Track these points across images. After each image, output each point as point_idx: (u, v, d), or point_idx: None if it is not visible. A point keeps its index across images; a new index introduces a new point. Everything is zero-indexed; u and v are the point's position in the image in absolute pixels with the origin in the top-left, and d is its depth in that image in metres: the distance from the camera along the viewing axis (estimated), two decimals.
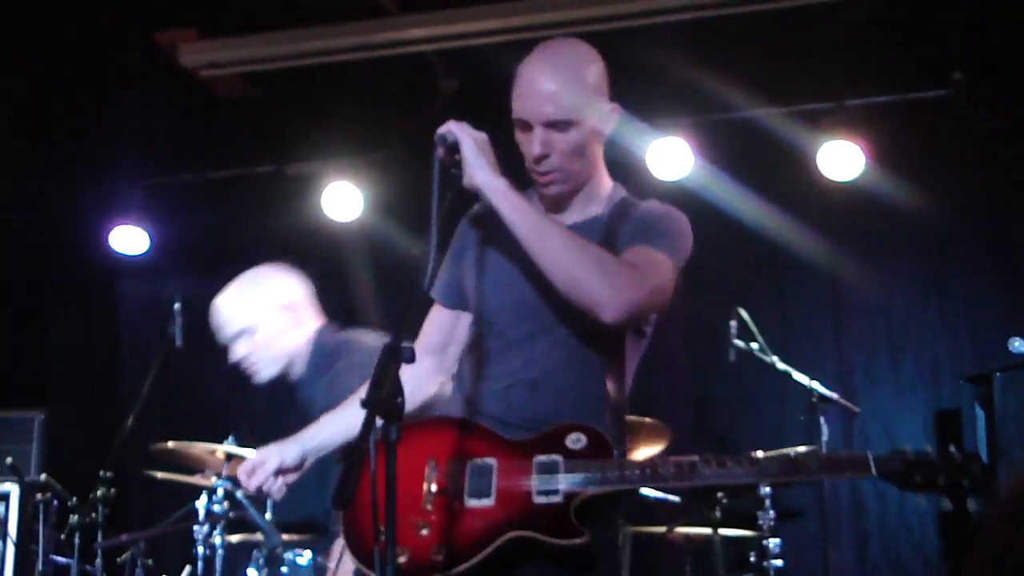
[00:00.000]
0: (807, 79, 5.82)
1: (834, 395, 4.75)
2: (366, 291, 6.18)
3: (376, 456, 1.98)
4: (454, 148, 2.45)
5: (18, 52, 5.27)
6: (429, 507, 2.36)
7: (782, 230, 5.86)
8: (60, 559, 4.88)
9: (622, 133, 5.93)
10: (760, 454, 2.83)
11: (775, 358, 4.76)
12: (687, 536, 4.79)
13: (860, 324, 5.92)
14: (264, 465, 2.63)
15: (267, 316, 4.04)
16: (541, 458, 2.36)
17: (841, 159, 5.71)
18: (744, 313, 4.76)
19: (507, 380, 2.49)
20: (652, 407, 5.08)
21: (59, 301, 6.67)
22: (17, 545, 5.16)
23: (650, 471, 2.36)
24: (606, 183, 2.67)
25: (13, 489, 4.95)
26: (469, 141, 2.45)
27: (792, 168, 5.84)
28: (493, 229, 2.53)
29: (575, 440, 2.38)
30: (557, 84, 2.47)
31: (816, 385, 4.73)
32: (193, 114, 6.18)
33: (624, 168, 5.69)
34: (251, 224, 6.49)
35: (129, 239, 6.35)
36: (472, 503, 2.35)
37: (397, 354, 2.04)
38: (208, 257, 6.57)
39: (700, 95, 5.84)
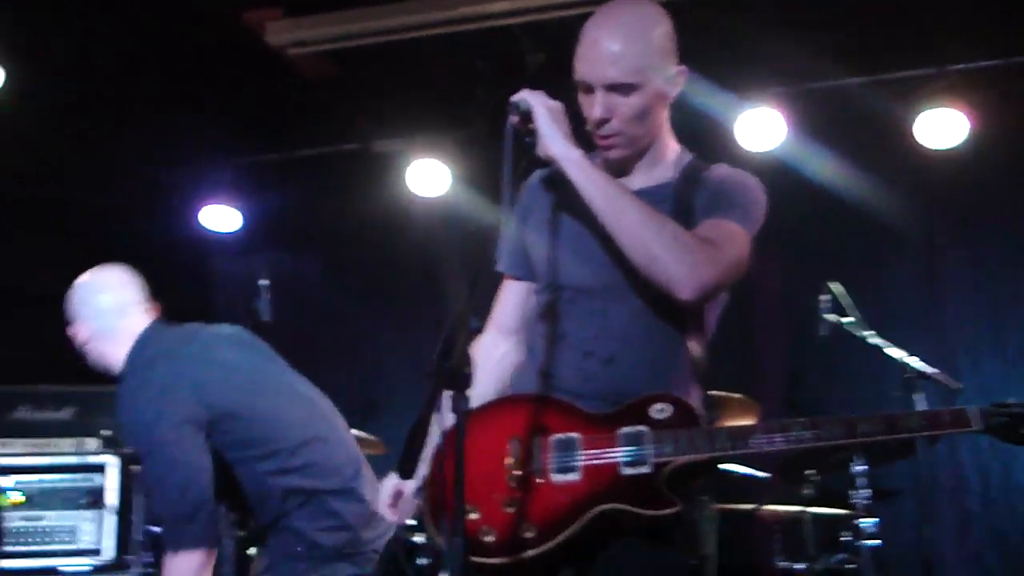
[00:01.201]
0: (904, 45, 5.62)
1: (932, 370, 4.57)
2: (453, 267, 6.20)
3: (452, 430, 1.95)
4: (527, 116, 2.41)
5: (108, 35, 5.37)
6: (514, 484, 2.32)
7: (878, 201, 5.70)
8: (155, 528, 4.99)
9: (711, 103, 5.89)
10: None
11: (868, 332, 4.60)
12: (776, 514, 4.69)
13: (961, 297, 5.73)
14: (405, 495, 2.55)
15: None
16: (627, 429, 2.31)
17: (941, 127, 5.52)
18: (836, 286, 4.61)
19: (582, 351, 2.44)
20: (742, 383, 4.99)
21: (152, 279, 6.79)
22: (117, 515, 5.31)
23: (740, 437, 2.30)
24: (672, 147, 2.61)
25: (111, 460, 5.07)
26: (543, 110, 2.40)
27: (888, 137, 5.67)
28: (566, 193, 2.47)
29: (660, 410, 2.33)
30: (620, 45, 2.41)
31: (912, 360, 4.56)
32: (281, 93, 6.24)
33: (713, 139, 5.68)
34: (338, 201, 6.55)
35: (220, 217, 6.47)
36: (558, 478, 2.31)
37: (465, 323, 2.00)
38: (296, 234, 6.67)
39: (792, 64, 5.69)
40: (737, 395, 4.54)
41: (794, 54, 5.60)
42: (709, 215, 2.44)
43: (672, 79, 2.50)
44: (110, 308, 3.59)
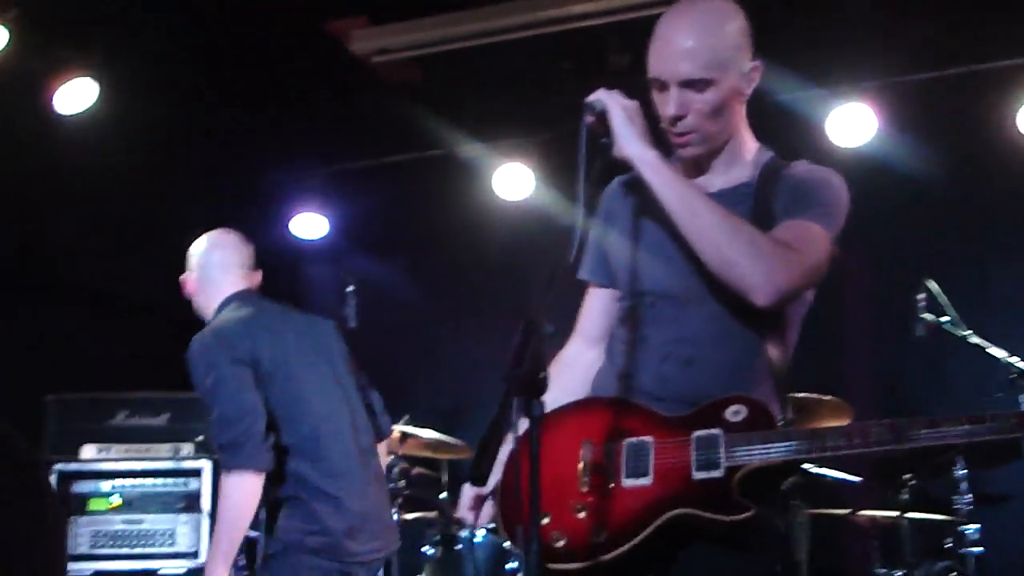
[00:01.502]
0: (1000, 33, 5.42)
1: None
2: (539, 270, 6.17)
3: (524, 437, 1.93)
4: (603, 116, 2.38)
5: (198, 49, 5.49)
6: (585, 489, 2.29)
7: (977, 195, 5.51)
8: (252, 532, 5.07)
9: (801, 100, 5.76)
10: None
11: (968, 332, 4.44)
12: (873, 519, 4.55)
13: None
14: (482, 498, 2.53)
15: None
16: (700, 433, 2.26)
17: None
18: (933, 285, 4.47)
19: (660, 354, 2.40)
20: (835, 385, 4.87)
21: None
22: (211, 518, 5.42)
23: (818, 440, 2.22)
24: (750, 144, 2.54)
25: (205, 465, 5.17)
26: (618, 110, 2.37)
27: (988, 129, 5.47)
28: (647, 197, 2.43)
29: (735, 412, 2.27)
30: (694, 41, 2.35)
31: (1016, 360, 4.39)
32: (366, 100, 6.30)
33: (802, 136, 5.56)
34: (424, 207, 6.59)
35: (309, 225, 6.56)
36: (629, 483, 2.27)
37: (537, 328, 1.97)
38: (383, 240, 6.72)
39: (883, 57, 5.55)
40: (829, 397, 4.42)
41: (885, 47, 5.46)
42: (789, 215, 2.37)
43: (747, 75, 2.44)
44: (216, 264, 3.89)
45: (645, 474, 2.27)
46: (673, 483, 2.24)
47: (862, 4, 5.26)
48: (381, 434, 3.88)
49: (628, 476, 2.28)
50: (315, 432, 3.53)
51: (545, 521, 2.25)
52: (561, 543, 2.25)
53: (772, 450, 2.21)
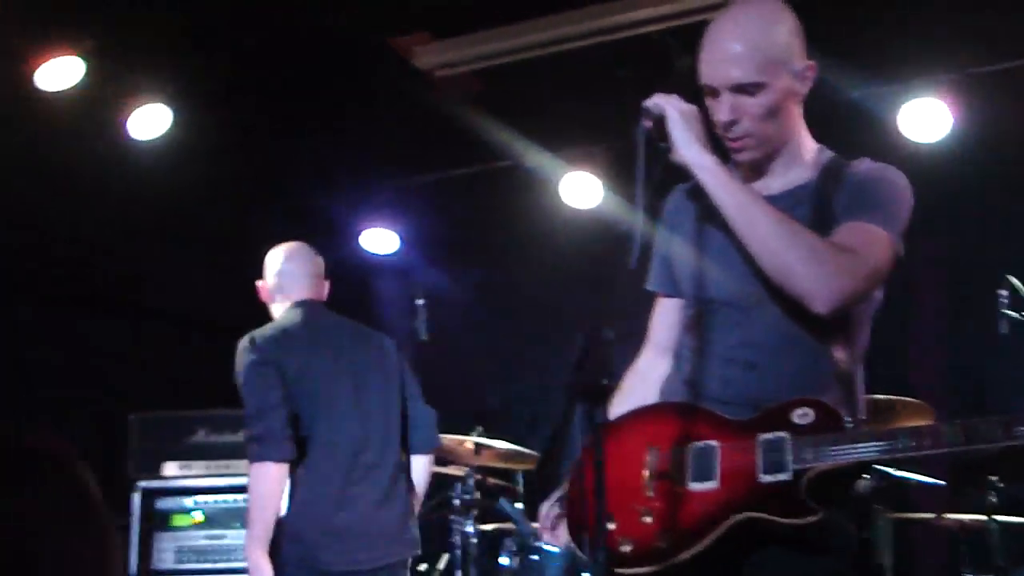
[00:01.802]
0: None
1: None
2: (609, 279, 6.14)
3: (588, 445, 1.92)
4: (660, 121, 2.37)
5: (263, 69, 5.58)
6: (651, 494, 2.29)
7: None
8: None
9: (872, 96, 5.64)
10: None
11: None
12: (960, 523, 4.43)
13: None
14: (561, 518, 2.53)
15: None
16: (766, 436, 2.24)
17: None
18: (1015, 280, 4.34)
19: (724, 359, 2.39)
20: (915, 386, 4.76)
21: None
22: None
23: (887, 440, 2.18)
24: (809, 145, 2.51)
25: None
26: (675, 114, 2.36)
27: None
28: (708, 202, 2.42)
29: (802, 415, 2.24)
30: (743, 46, 2.35)
31: None
32: (432, 114, 6.35)
33: (874, 132, 5.45)
34: (493, 218, 6.61)
35: (380, 240, 6.63)
36: (695, 487, 2.26)
37: (598, 335, 1.97)
38: (452, 253, 6.76)
39: (956, 50, 5.42)
40: (909, 399, 4.32)
41: (958, 39, 5.33)
42: (849, 217, 2.35)
43: (801, 74, 2.42)
44: (287, 273, 4.14)
45: (711, 478, 2.25)
46: (739, 487, 2.22)
47: None
48: (415, 448, 4.08)
49: (694, 480, 2.27)
50: (316, 441, 3.75)
51: (611, 527, 2.24)
52: (628, 548, 2.25)
53: (841, 452, 2.18)
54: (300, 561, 3.66)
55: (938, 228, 5.34)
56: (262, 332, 3.87)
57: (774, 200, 2.37)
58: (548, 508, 2.54)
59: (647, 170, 2.32)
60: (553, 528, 2.52)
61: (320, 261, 4.28)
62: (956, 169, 5.40)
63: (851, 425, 2.27)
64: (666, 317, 2.66)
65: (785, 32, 2.40)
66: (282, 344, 3.82)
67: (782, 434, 2.23)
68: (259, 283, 4.22)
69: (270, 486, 3.63)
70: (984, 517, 4.27)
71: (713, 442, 2.29)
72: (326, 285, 4.25)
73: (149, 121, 5.45)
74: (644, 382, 2.60)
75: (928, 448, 2.17)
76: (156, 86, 5.47)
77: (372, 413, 3.89)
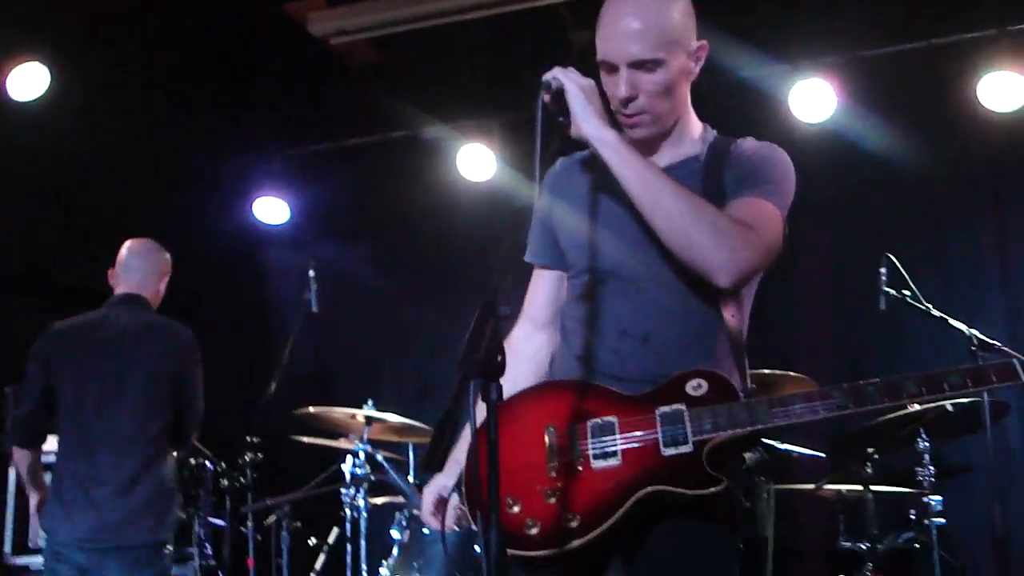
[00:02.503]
0: (960, 7, 5.44)
1: (996, 343, 4.42)
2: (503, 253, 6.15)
3: (483, 423, 1.91)
4: (559, 95, 2.36)
5: (154, 33, 5.41)
6: (554, 474, 2.27)
7: (938, 169, 5.54)
8: (217, 521, 5.04)
9: (762, 76, 5.74)
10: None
11: (929, 305, 4.47)
12: (838, 493, 4.58)
13: None
14: (449, 503, 2.51)
15: None
16: (664, 409, 2.26)
17: (1003, 90, 5.32)
18: (894, 258, 4.49)
19: (617, 331, 2.39)
20: (796, 360, 4.89)
21: (208, 272, 6.88)
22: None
23: (780, 407, 2.23)
24: (696, 124, 2.55)
25: None
26: (575, 88, 2.35)
27: (948, 103, 5.49)
28: (601, 175, 2.42)
29: (696, 386, 2.27)
30: (641, 23, 2.35)
31: (976, 332, 4.42)
32: (326, 83, 6.25)
33: (764, 112, 5.55)
34: (388, 189, 6.54)
35: (271, 209, 6.50)
36: (598, 464, 2.26)
37: (494, 311, 1.95)
38: (347, 223, 6.67)
39: (844, 33, 5.55)
40: (793, 373, 4.43)
41: (845, 22, 5.46)
42: (741, 192, 2.38)
43: (694, 54, 2.45)
44: (122, 265, 4.43)
45: (613, 454, 2.26)
46: (642, 461, 2.23)
47: None
48: (172, 446, 4.31)
49: (596, 458, 2.27)
50: (67, 428, 4.15)
51: (516, 509, 2.24)
52: (534, 530, 2.23)
53: (738, 422, 2.22)
54: (47, 532, 4.13)
55: (823, 206, 5.48)
56: (60, 323, 4.29)
57: (665, 172, 2.37)
58: (431, 492, 2.52)
59: (544, 144, 2.30)
60: (436, 513, 2.50)
61: (162, 259, 4.49)
62: (841, 149, 5.54)
63: (743, 395, 2.31)
64: (543, 289, 2.63)
65: (681, 11, 2.42)
66: (63, 339, 4.23)
67: (679, 406, 2.25)
68: (109, 271, 4.47)
69: (18, 466, 4.33)
70: (861, 487, 4.42)
71: (611, 418, 2.30)
72: (160, 282, 4.48)
73: (28, 81, 5.23)
74: (520, 355, 2.57)
75: (821, 413, 2.21)
76: (34, 45, 5.25)
77: (120, 413, 4.13)
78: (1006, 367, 2.21)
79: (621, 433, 2.27)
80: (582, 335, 2.44)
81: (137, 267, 4.41)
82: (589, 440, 2.29)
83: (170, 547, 4.21)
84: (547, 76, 2.38)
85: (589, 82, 2.39)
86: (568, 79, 2.36)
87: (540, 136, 2.30)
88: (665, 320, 2.37)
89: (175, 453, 4.37)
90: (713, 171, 2.42)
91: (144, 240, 4.51)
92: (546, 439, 2.31)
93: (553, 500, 2.25)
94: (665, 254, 2.34)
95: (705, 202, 2.31)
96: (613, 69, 2.40)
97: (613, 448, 2.26)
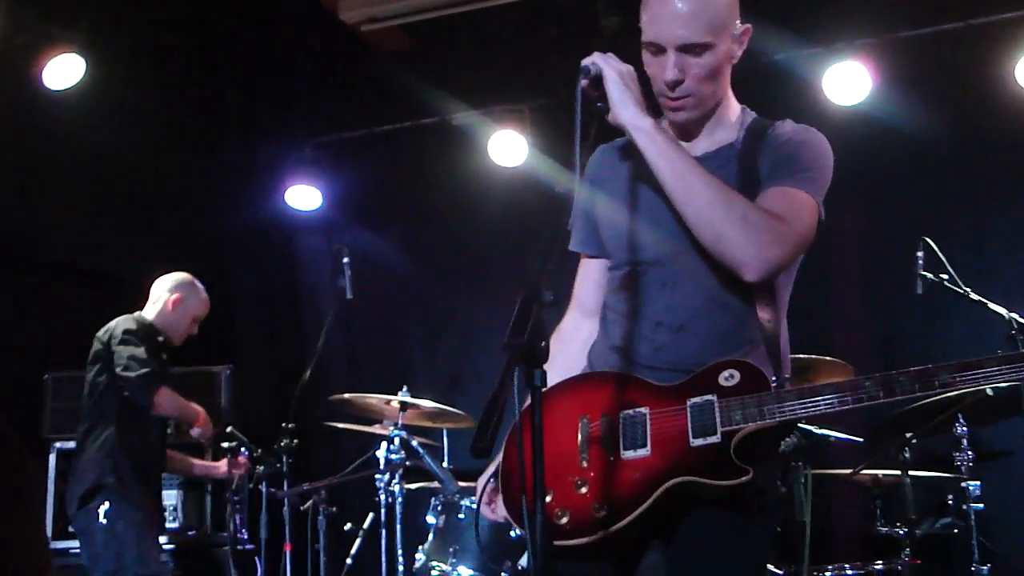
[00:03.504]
0: None
1: None
2: (535, 237, 6.14)
3: (525, 411, 1.90)
4: (598, 81, 2.35)
5: (185, 23, 5.43)
6: (585, 464, 2.28)
7: (975, 151, 5.48)
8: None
9: (796, 59, 5.69)
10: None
11: (968, 289, 4.42)
12: (875, 478, 4.55)
13: None
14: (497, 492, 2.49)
15: None
16: (695, 400, 2.25)
17: None
18: (931, 242, 4.44)
19: (652, 322, 2.39)
20: (835, 345, 4.85)
21: (241, 260, 6.92)
22: (213, 495, 5.45)
23: (811, 397, 2.21)
24: (735, 107, 2.53)
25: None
26: (614, 75, 2.33)
27: (985, 84, 5.42)
28: (639, 162, 2.40)
29: (728, 377, 2.26)
30: (691, 6, 2.33)
31: (1016, 316, 4.37)
32: (358, 69, 6.25)
33: (799, 94, 5.51)
34: (419, 175, 6.54)
35: (303, 196, 6.52)
36: (628, 455, 2.26)
37: (539, 296, 1.95)
38: (379, 210, 6.68)
39: (879, 14, 5.49)
40: (830, 358, 4.40)
41: (880, 3, 5.40)
42: (775, 181, 2.36)
43: (738, 38, 2.43)
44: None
45: (643, 445, 2.26)
46: (672, 452, 2.23)
47: None
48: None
49: (627, 448, 2.27)
50: None
51: (548, 499, 2.22)
52: (565, 519, 2.24)
53: (767, 412, 2.21)
54: None
55: (859, 189, 5.43)
56: None
57: (701, 161, 2.36)
58: (485, 482, 2.52)
59: (584, 130, 2.29)
60: (490, 503, 2.51)
61: (161, 283, 5.11)
62: (876, 131, 5.49)
63: (776, 384, 2.29)
64: (590, 278, 2.62)
65: None
66: None
67: (709, 397, 2.25)
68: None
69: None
70: (898, 472, 4.39)
71: (643, 409, 2.29)
72: (152, 300, 5.06)
73: (63, 71, 5.26)
74: (569, 344, 2.58)
75: (851, 403, 2.19)
76: (70, 35, 5.27)
77: (86, 400, 4.81)
78: None
79: (652, 424, 2.27)
80: (620, 325, 2.44)
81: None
82: (620, 431, 2.29)
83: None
84: (586, 61, 2.37)
85: (628, 68, 2.38)
86: (607, 65, 2.35)
87: (579, 122, 2.29)
88: (700, 311, 2.36)
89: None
90: (749, 157, 2.41)
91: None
92: (579, 430, 2.31)
93: (584, 490, 2.26)
94: (696, 246, 2.33)
95: (737, 195, 2.30)
96: (660, 51, 2.37)
97: (644, 439, 2.26)
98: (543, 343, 1.93)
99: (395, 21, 5.85)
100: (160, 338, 4.92)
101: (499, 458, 2.43)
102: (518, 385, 1.90)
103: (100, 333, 4.82)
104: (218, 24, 5.56)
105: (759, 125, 2.48)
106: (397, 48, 6.10)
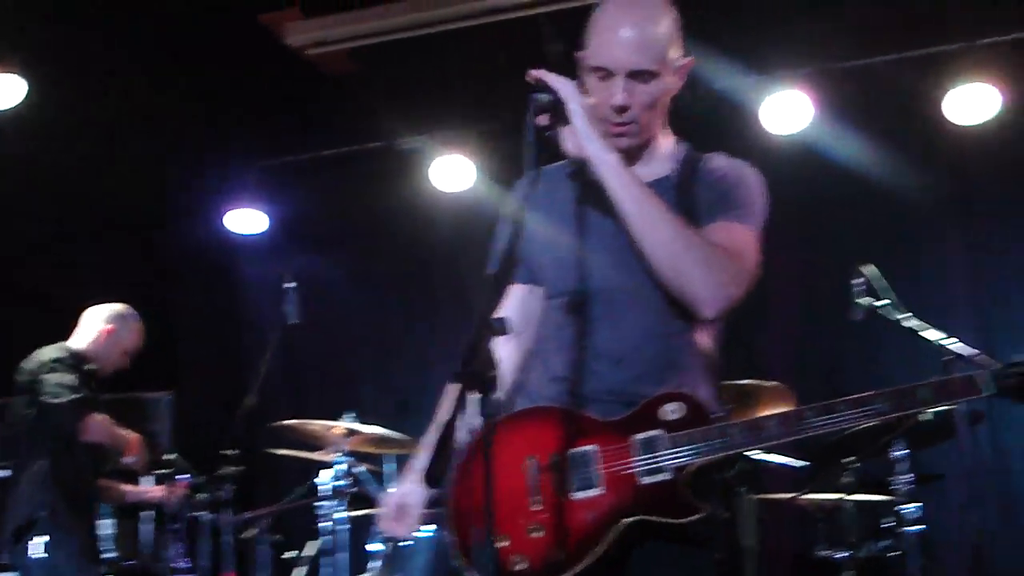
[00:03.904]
0: (932, 20, 5.51)
1: (971, 351, 4.46)
2: (480, 264, 6.15)
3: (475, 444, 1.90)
4: (557, 108, 2.34)
5: (129, 44, 5.37)
6: (538, 507, 2.26)
7: (911, 180, 5.60)
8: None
9: (737, 87, 5.78)
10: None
11: (905, 315, 4.51)
12: (816, 503, 4.61)
13: (999, 276, 5.61)
14: (412, 510, 2.48)
15: None
16: (641, 436, 2.26)
17: (972, 102, 5.41)
18: (869, 269, 4.53)
19: (595, 352, 2.37)
20: (773, 371, 4.91)
21: (183, 285, 6.84)
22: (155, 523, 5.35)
23: (754, 430, 2.25)
24: (670, 138, 2.56)
25: None
26: (578, 108, 2.32)
27: (919, 115, 5.56)
28: (587, 190, 2.40)
29: (672, 411, 2.27)
30: (640, 34, 2.36)
31: (951, 342, 4.46)
32: (303, 93, 6.22)
33: (738, 123, 5.60)
34: (364, 200, 6.52)
35: (247, 220, 6.47)
36: (580, 495, 2.25)
37: (489, 325, 1.95)
38: (324, 234, 6.65)
39: (818, 44, 5.61)
40: (772, 383, 4.46)
41: (819, 34, 5.52)
42: (718, 215, 2.39)
43: (679, 70, 2.46)
44: None
45: (594, 484, 2.26)
46: (623, 491, 2.24)
47: None
48: None
49: (578, 488, 2.26)
50: None
51: (504, 544, 2.23)
52: (523, 565, 2.23)
53: (714, 447, 2.24)
54: None
55: (798, 216, 5.53)
56: None
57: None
58: (394, 498, 2.48)
59: (536, 157, 2.29)
60: (397, 519, 2.46)
61: (95, 314, 5.03)
62: (814, 160, 5.59)
63: (722, 414, 2.31)
64: (512, 304, 2.53)
65: (673, 25, 2.44)
66: None
67: (656, 433, 2.26)
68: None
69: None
70: (839, 496, 4.46)
71: (590, 447, 2.29)
72: (82, 329, 4.99)
73: (4, 92, 5.18)
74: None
75: (795, 434, 2.24)
76: (11, 56, 5.20)
77: (18, 431, 4.73)
78: (970, 381, 2.26)
79: (601, 462, 2.27)
80: (560, 356, 2.40)
81: None
82: (570, 471, 2.27)
83: None
84: (551, 81, 2.33)
85: (589, 100, 2.38)
86: (572, 96, 2.33)
87: (533, 148, 2.29)
88: (643, 340, 2.37)
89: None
90: (686, 190, 2.43)
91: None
92: (527, 473, 2.29)
93: (539, 534, 2.25)
94: (647, 276, 2.34)
95: (697, 234, 2.32)
96: (609, 76, 2.38)
97: (593, 478, 2.26)
98: (492, 372, 1.94)
99: (341, 45, 5.84)
100: (89, 367, 4.83)
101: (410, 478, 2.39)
102: (467, 414, 1.90)
103: (26, 363, 4.71)
104: (164, 47, 5.51)
105: (693, 157, 2.51)
106: (343, 72, 6.09)
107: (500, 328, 1.95)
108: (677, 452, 2.23)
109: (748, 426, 2.26)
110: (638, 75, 2.37)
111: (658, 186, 2.43)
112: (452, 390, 1.97)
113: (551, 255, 2.49)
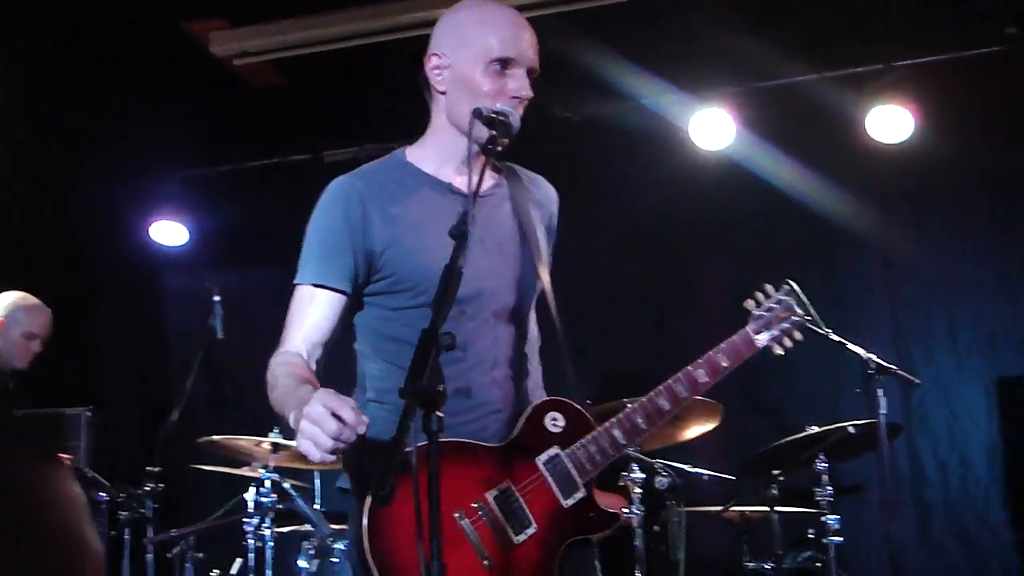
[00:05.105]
0: (852, 42, 5.66)
1: (892, 366, 4.58)
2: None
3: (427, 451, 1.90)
4: (493, 122, 2.33)
5: (49, 51, 5.24)
6: (488, 562, 2.26)
7: (830, 198, 5.72)
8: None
9: (664, 104, 5.84)
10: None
11: (828, 330, 4.60)
12: (743, 514, 4.68)
13: (915, 292, 5.77)
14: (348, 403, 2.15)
15: None
16: (543, 458, 2.35)
17: (890, 123, 5.56)
18: (793, 284, 4.61)
19: (468, 363, 2.37)
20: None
21: (103, 297, 6.68)
22: None
23: (629, 425, 2.40)
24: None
25: None
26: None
27: (839, 134, 5.70)
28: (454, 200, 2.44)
29: (553, 421, 2.37)
30: (532, 36, 2.46)
31: (872, 356, 4.57)
32: (227, 104, 6.14)
33: (666, 138, 5.67)
34: (289, 212, 6.41)
35: (169, 232, 6.35)
36: (521, 537, 2.31)
37: (437, 340, 1.95)
38: (249, 247, 6.55)
39: (742, 63, 5.71)
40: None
41: (744, 52, 5.61)
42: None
43: None
44: None
45: (529, 523, 2.32)
46: (555, 520, 2.33)
47: (722, 9, 5.41)
48: None
49: (517, 532, 2.31)
50: None
51: None
52: None
53: (607, 453, 2.37)
54: None
55: (720, 233, 5.62)
56: None
57: (483, 198, 2.40)
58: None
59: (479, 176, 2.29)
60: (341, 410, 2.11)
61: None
62: (738, 176, 5.69)
63: (588, 402, 2.43)
64: (322, 310, 2.58)
65: None
66: None
67: (554, 452, 2.36)
68: None
69: None
70: (765, 508, 4.53)
71: (504, 484, 2.31)
72: None
73: None
74: (303, 369, 2.54)
75: (656, 422, 2.42)
76: None
77: None
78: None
79: (522, 498, 2.32)
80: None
81: None
82: (500, 516, 2.29)
83: None
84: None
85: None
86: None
87: (477, 169, 2.30)
88: (521, 346, 2.47)
89: None
90: (517, 200, 2.59)
91: None
92: (465, 533, 2.26)
93: None
94: (517, 282, 2.43)
95: None
96: (512, 66, 2.40)
97: (526, 517, 2.32)
98: (441, 387, 1.93)
99: (266, 56, 5.78)
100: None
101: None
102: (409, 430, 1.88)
103: None
104: (82, 54, 5.39)
105: (507, 167, 2.62)
106: (269, 83, 6.02)
107: (448, 343, 1.94)
108: (582, 467, 2.35)
109: (622, 424, 2.39)
110: (531, 73, 2.45)
111: (497, 194, 2.54)
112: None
113: (413, 261, 2.45)
